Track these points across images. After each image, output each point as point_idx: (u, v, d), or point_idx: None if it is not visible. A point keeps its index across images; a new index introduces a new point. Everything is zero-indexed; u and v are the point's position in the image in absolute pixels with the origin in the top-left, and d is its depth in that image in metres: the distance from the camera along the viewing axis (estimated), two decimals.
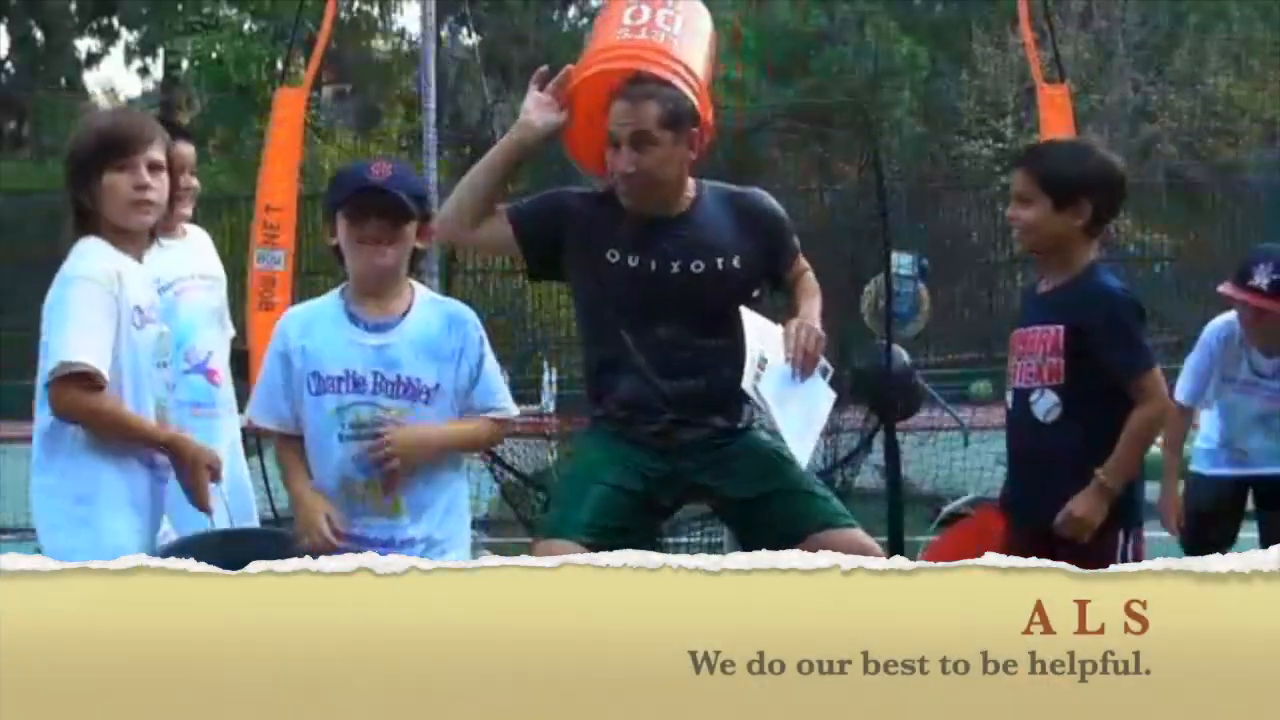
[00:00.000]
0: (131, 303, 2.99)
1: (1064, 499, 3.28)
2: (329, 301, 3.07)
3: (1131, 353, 3.32)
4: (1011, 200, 3.43)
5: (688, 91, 3.25)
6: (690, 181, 3.32)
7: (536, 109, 3.27)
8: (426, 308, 3.05)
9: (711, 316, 3.26)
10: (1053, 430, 3.34)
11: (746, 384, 3.13)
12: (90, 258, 2.98)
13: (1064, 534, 3.27)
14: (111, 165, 2.97)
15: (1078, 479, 3.28)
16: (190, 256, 4.00)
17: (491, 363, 3.15)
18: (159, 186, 3.01)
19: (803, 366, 3.22)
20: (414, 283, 3.09)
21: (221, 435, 3.88)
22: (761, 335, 3.22)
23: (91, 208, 3.00)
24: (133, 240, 3.04)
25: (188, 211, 4.00)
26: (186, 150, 3.85)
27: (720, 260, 3.26)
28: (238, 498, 3.73)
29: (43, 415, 2.97)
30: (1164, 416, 3.44)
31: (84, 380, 2.88)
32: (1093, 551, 3.00)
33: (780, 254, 3.41)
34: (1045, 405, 3.36)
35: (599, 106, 3.25)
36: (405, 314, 3.01)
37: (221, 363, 4.04)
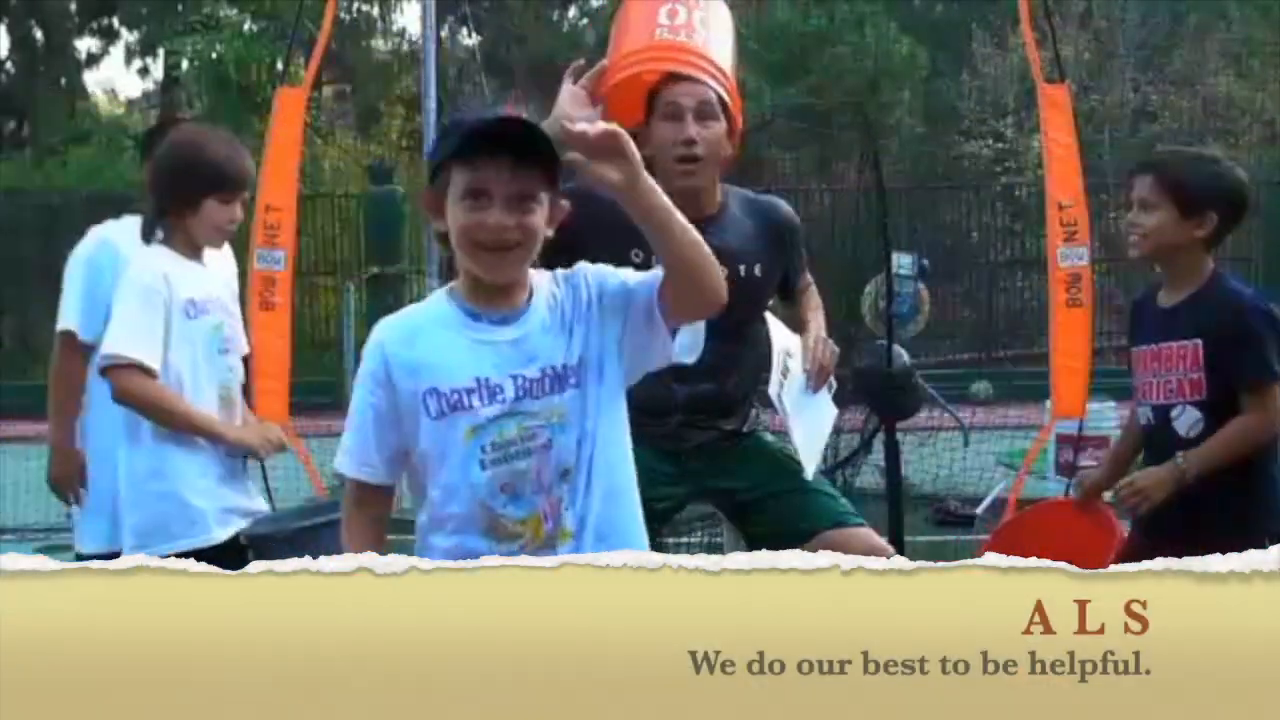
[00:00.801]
0: (183, 297, 3.39)
1: (1211, 516, 3.18)
2: (434, 303, 2.41)
3: (1255, 359, 3.23)
4: (1134, 206, 3.35)
5: (725, 95, 3.24)
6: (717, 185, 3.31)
7: (572, 104, 3.16)
8: (546, 281, 2.39)
9: (731, 323, 3.27)
10: (1196, 445, 3.27)
11: (772, 390, 3.16)
12: (140, 262, 3.43)
13: (1121, 497, 3.28)
14: (216, 195, 3.45)
15: (1222, 494, 3.22)
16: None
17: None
18: (240, 218, 3.57)
19: (817, 380, 3.25)
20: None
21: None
22: (784, 343, 3.25)
23: (176, 219, 3.46)
24: (198, 250, 3.53)
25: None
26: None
27: (743, 268, 3.24)
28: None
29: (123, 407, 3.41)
30: (1266, 433, 3.29)
31: (138, 370, 3.31)
32: None
33: (794, 264, 3.42)
34: (1188, 421, 3.30)
35: (634, 105, 3.23)
36: (530, 296, 2.35)
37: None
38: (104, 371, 3.38)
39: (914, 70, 21.23)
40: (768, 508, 3.27)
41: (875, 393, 7.25)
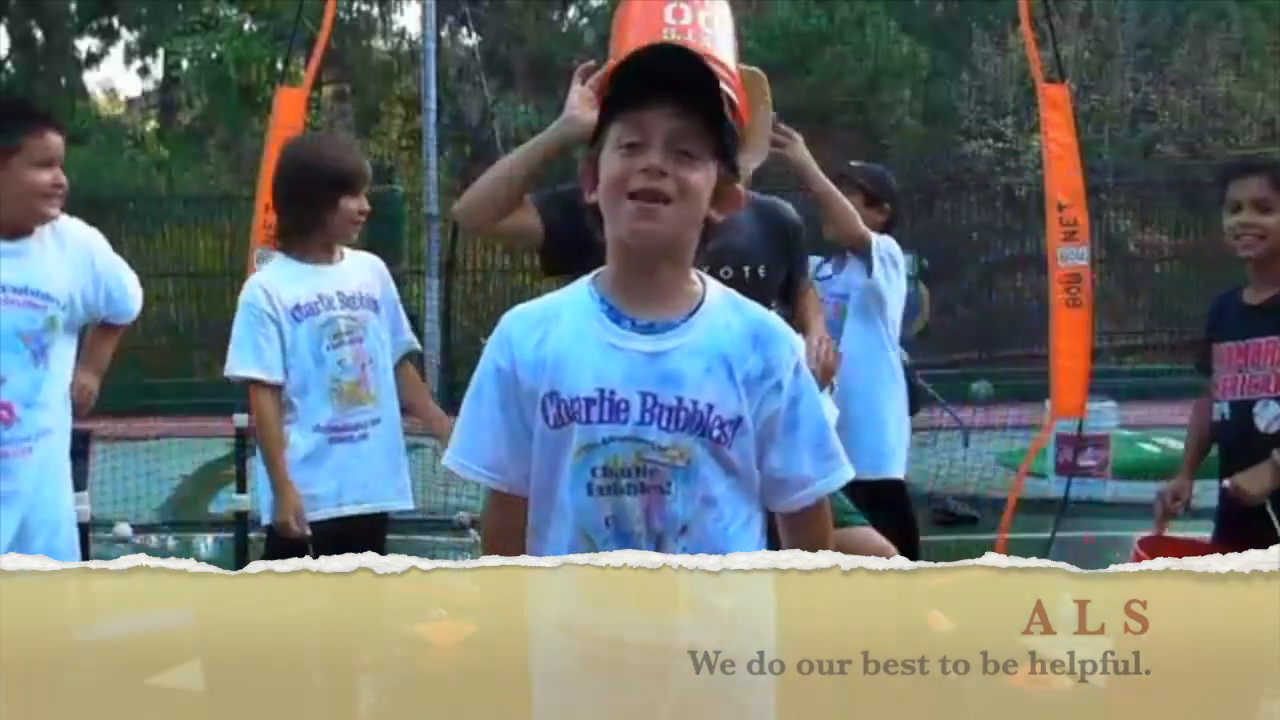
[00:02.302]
0: (288, 305, 3.63)
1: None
2: (573, 292, 2.08)
3: None
4: (1244, 207, 3.51)
5: (734, 97, 3.23)
6: None
7: (582, 104, 3.14)
8: (725, 306, 2.08)
9: None
10: (1275, 440, 3.40)
11: None
12: (251, 283, 3.71)
13: (1233, 496, 3.41)
14: (348, 193, 3.67)
15: None
16: (12, 267, 3.42)
17: (815, 406, 2.08)
18: (367, 207, 3.74)
19: (820, 380, 3.25)
20: (703, 275, 2.10)
21: (18, 473, 3.38)
22: None
23: (313, 226, 3.68)
24: (330, 251, 3.74)
25: (56, 212, 3.45)
26: (56, 141, 3.43)
27: (748, 268, 3.23)
28: (59, 535, 3.48)
29: None
30: None
31: (256, 385, 3.59)
32: None
33: (796, 266, 3.42)
34: (1269, 415, 3.43)
35: None
36: (694, 312, 2.04)
37: (19, 394, 3.39)
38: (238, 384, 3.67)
39: (914, 70, 21.24)
40: None
41: None
